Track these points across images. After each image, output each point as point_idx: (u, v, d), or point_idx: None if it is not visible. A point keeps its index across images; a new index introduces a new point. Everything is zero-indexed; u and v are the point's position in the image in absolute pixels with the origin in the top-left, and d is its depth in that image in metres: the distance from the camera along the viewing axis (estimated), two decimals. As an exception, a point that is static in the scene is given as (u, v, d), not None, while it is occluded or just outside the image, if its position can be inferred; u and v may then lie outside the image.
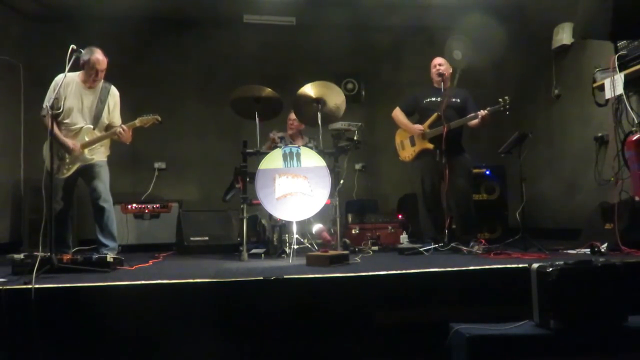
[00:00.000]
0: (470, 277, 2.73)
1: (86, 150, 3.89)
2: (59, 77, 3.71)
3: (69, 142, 3.81)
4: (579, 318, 2.21)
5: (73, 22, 5.71)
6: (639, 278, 2.58)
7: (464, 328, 2.26)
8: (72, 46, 3.21)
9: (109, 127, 4.01)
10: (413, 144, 4.38)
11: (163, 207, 5.46)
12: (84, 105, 3.90)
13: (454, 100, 4.29)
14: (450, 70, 4.40)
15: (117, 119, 4.04)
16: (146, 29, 5.92)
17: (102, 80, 3.96)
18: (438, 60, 4.39)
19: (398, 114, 4.49)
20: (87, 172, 3.96)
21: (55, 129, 3.63)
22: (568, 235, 4.48)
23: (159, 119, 3.97)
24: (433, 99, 4.32)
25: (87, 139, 3.89)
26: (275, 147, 4.08)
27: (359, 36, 6.38)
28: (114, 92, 4.04)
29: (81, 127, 3.89)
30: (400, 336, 2.57)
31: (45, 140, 3.61)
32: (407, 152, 4.45)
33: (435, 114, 4.21)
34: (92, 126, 3.92)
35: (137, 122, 3.93)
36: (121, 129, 3.88)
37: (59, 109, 3.79)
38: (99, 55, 3.82)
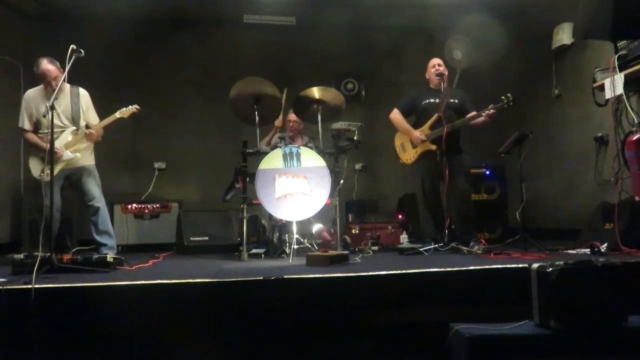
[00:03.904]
0: (470, 277, 2.72)
1: (69, 151, 3.90)
2: (27, 94, 3.94)
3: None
4: (579, 318, 2.21)
5: (73, 22, 5.71)
6: (639, 278, 2.58)
7: (464, 328, 2.26)
8: (72, 46, 3.21)
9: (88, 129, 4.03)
10: (414, 145, 4.35)
11: (163, 207, 5.47)
12: (59, 111, 3.89)
13: (452, 100, 4.29)
14: (447, 71, 4.40)
15: (92, 119, 4.05)
16: (146, 29, 5.92)
17: (69, 85, 3.97)
18: (437, 60, 4.38)
19: (397, 116, 4.45)
20: (77, 176, 3.98)
21: (36, 138, 3.94)
22: (568, 235, 4.47)
23: (138, 107, 4.00)
24: (432, 100, 4.31)
25: (70, 139, 3.92)
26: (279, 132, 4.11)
27: (359, 36, 6.37)
28: (84, 93, 4.05)
29: (63, 130, 3.91)
30: (400, 336, 2.56)
31: (29, 154, 3.92)
32: (408, 154, 4.41)
33: (436, 115, 4.19)
34: (75, 128, 3.95)
35: (117, 114, 3.97)
36: (87, 130, 3.90)
37: (38, 121, 3.90)
38: (46, 66, 3.80)
